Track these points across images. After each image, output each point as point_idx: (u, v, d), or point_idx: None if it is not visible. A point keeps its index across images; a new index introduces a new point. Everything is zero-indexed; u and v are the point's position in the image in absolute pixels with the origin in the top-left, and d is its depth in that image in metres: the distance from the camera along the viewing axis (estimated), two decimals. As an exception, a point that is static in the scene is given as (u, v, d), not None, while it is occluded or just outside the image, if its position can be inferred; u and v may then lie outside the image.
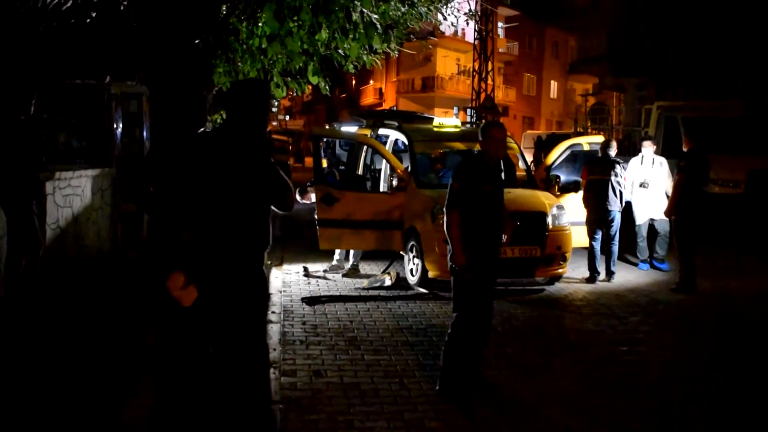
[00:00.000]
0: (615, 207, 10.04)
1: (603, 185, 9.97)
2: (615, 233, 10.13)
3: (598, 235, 10.11)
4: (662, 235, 10.66)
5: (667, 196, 10.11)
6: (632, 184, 10.68)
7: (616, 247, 10.18)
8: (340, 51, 8.62)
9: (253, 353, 4.01)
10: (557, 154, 11.33)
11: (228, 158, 3.91)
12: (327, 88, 9.66)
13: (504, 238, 5.98)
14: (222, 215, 3.87)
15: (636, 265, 11.00)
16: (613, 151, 10.18)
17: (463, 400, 5.50)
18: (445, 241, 5.77)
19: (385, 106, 48.41)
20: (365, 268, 10.74)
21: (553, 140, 21.25)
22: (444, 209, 5.76)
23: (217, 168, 3.87)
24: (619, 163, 10.10)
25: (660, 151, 10.92)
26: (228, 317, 3.92)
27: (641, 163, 10.77)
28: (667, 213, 9.68)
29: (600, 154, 10.30)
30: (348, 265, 10.43)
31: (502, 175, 6.12)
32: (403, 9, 9.05)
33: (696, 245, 9.51)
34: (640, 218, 10.75)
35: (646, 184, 10.62)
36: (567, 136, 15.51)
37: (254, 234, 4.00)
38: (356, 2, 6.74)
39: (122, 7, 7.30)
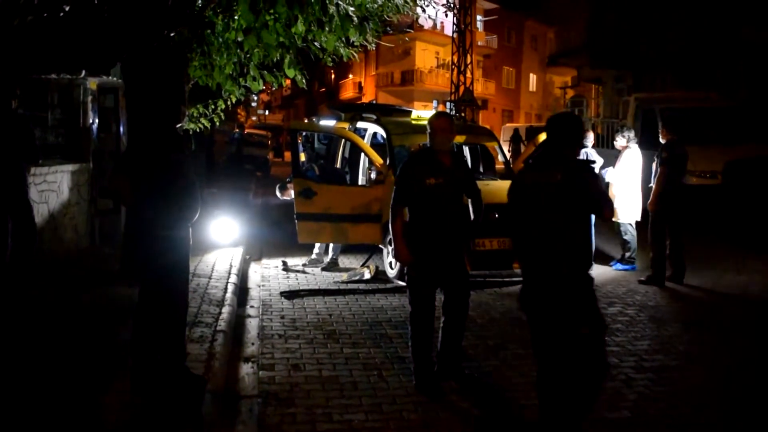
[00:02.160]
0: None
1: None
2: None
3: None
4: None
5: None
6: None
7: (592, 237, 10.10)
8: (316, 43, 8.60)
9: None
10: (536, 146, 11.34)
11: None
12: (304, 81, 9.64)
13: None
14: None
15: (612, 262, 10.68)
16: (589, 142, 10.16)
17: (432, 393, 5.49)
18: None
19: (365, 99, 48.44)
20: (344, 261, 10.74)
21: (532, 133, 21.36)
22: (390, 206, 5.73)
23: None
24: (588, 155, 10.01)
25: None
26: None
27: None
28: (651, 206, 9.56)
29: None
30: (327, 259, 10.42)
31: (464, 166, 6.01)
32: (379, 1, 9.01)
33: (681, 237, 9.52)
34: (623, 217, 10.25)
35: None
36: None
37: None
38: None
39: (96, 0, 7.23)
